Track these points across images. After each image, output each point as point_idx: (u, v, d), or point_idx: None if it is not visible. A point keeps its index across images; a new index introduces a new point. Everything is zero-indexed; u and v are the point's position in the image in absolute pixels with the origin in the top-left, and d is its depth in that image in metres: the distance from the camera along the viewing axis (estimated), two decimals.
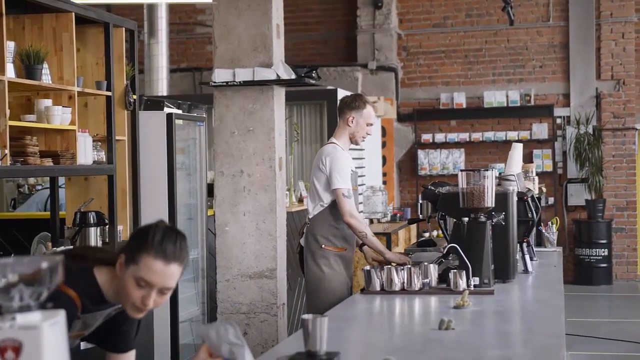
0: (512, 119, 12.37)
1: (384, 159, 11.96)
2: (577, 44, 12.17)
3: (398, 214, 10.52)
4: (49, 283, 1.79)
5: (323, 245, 5.05)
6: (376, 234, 8.98)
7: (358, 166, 9.95)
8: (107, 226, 5.51)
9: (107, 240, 5.53)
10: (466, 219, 4.29)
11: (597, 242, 11.79)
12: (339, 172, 4.97)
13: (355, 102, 5.15)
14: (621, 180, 12.15)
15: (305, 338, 2.65)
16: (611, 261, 11.91)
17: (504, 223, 4.41)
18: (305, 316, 2.64)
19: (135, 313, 2.60)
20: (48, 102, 5.03)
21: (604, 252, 11.79)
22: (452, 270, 4.12)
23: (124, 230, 5.76)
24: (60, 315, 1.81)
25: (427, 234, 10.12)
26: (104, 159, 5.50)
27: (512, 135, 12.13)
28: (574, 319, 9.22)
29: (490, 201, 4.28)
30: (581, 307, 10.36)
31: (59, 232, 5.57)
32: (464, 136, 12.37)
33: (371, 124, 5.17)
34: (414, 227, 10.79)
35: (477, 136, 12.35)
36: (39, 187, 8.27)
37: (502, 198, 4.42)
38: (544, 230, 6.22)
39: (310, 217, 5.14)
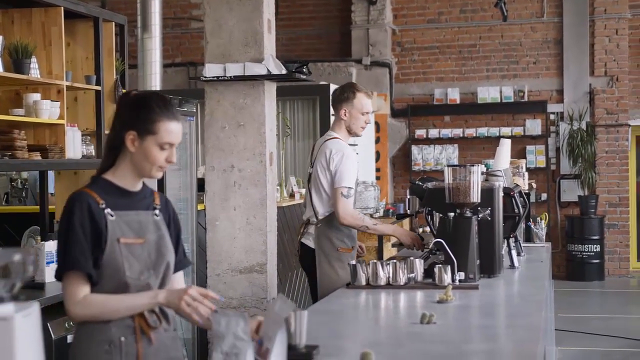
0: (506, 114, 12.38)
1: (378, 154, 11.97)
2: (570, 40, 12.19)
3: (391, 210, 10.53)
4: (22, 275, 1.82)
5: (339, 248, 4.96)
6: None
7: None
8: None
9: None
10: (452, 214, 4.29)
11: (589, 238, 11.81)
12: (347, 170, 4.87)
13: (344, 93, 5.04)
14: (614, 177, 12.17)
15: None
16: (603, 257, 11.94)
17: (489, 218, 4.42)
18: None
19: (159, 173, 2.83)
20: (36, 96, 5.04)
21: (596, 248, 11.82)
22: (437, 265, 4.13)
23: None
24: (34, 307, 1.83)
25: (421, 230, 10.11)
26: (94, 153, 5.51)
27: (506, 131, 12.14)
28: (565, 314, 9.25)
29: (475, 196, 4.29)
30: (573, 302, 10.40)
31: (49, 226, 5.58)
32: (457, 132, 12.38)
33: (366, 113, 5.02)
34: (408, 222, 10.81)
35: (470, 132, 12.36)
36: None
37: (488, 193, 4.43)
38: (532, 226, 6.23)
39: (320, 217, 5.01)
